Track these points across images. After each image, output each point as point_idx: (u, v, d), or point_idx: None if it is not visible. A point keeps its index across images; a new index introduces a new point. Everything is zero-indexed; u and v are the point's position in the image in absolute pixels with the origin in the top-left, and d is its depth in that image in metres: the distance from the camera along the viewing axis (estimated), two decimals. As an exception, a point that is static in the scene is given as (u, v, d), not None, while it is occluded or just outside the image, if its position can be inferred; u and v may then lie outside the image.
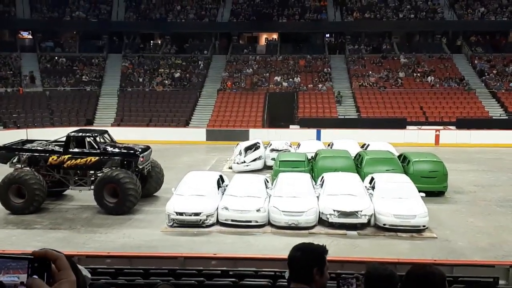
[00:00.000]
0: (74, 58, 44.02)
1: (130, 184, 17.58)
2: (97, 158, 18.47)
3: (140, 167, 18.69)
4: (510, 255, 13.28)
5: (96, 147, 18.63)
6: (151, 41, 48.72)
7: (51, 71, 42.56)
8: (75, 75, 42.08)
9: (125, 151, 18.96)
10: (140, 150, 19.04)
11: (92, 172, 18.99)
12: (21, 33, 47.62)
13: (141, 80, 41.74)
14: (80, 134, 19.17)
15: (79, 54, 44.75)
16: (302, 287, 2.99)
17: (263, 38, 49.42)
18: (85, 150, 18.53)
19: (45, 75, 42.02)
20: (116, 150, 19.00)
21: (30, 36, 47.72)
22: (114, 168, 18.28)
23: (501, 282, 9.67)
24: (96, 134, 19.31)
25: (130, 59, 44.07)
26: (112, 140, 19.89)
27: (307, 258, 2.97)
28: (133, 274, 9.40)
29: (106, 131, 20.35)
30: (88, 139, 18.65)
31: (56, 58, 44.04)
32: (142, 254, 12.66)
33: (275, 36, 48.14)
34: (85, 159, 18.47)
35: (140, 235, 15.69)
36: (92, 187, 18.31)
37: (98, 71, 42.77)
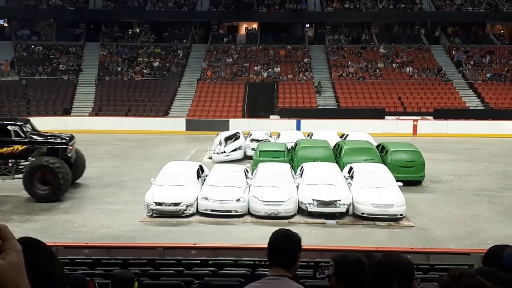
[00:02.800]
0: (50, 47, 43.30)
1: (63, 172, 17.75)
2: (24, 146, 18.44)
3: (69, 155, 18.85)
4: (485, 243, 13.50)
5: (23, 135, 18.55)
6: (129, 30, 48.16)
7: (27, 60, 41.83)
8: (52, 64, 41.41)
9: (51, 139, 19.04)
10: (67, 138, 19.15)
11: (14, 160, 18.90)
12: (-4, 20, 46.71)
13: (119, 69, 41.28)
14: (4, 122, 19.14)
15: (56, 42, 44.01)
16: (282, 273, 3.00)
17: (243, 27, 49.22)
18: (14, 139, 18.41)
19: (22, 63, 41.29)
20: (43, 138, 19.04)
21: (5, 24, 46.77)
22: (40, 156, 18.32)
23: (476, 269, 9.83)
24: (21, 123, 19.22)
25: (108, 48, 43.52)
26: (33, 129, 19.75)
27: (293, 244, 3.05)
28: (112, 264, 9.35)
29: (28, 120, 20.31)
30: (14, 127, 18.56)
31: (32, 46, 43.28)
32: (121, 244, 12.61)
33: (255, 25, 47.95)
34: (12, 148, 18.37)
35: (119, 225, 15.58)
36: (17, 176, 18.31)
37: (75, 59, 42.16)
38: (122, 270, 5.94)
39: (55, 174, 17.57)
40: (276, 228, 3.42)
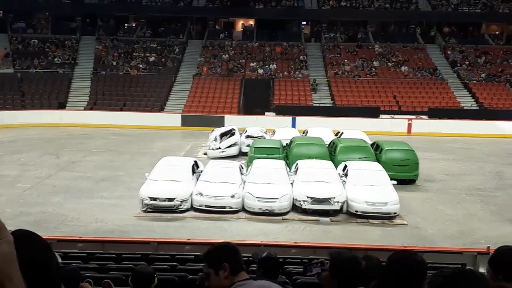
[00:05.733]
0: (46, 40, 43.08)
1: None
2: None
3: None
4: (478, 243, 13.60)
5: None
6: (126, 24, 47.97)
7: (22, 53, 41.60)
8: (47, 57, 41.23)
9: None
10: None
11: None
12: (-8, 13, 46.43)
13: (115, 63, 41.15)
14: None
15: (52, 35, 43.79)
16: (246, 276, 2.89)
17: (240, 23, 49.14)
18: None
19: (17, 56, 41.08)
20: None
21: (1, 16, 46.48)
22: None
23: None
24: None
25: (104, 42, 43.36)
26: None
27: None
28: (105, 258, 9.36)
29: None
30: None
31: (28, 39, 43.08)
32: (115, 238, 12.61)
33: (251, 22, 47.90)
34: None
35: (113, 220, 15.58)
36: None
37: (71, 53, 41.98)
38: (141, 265, 5.89)
39: None
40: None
